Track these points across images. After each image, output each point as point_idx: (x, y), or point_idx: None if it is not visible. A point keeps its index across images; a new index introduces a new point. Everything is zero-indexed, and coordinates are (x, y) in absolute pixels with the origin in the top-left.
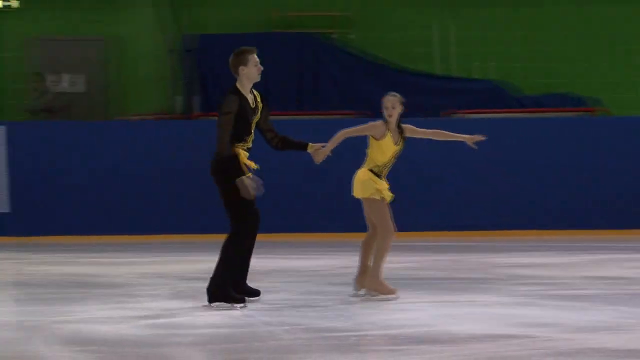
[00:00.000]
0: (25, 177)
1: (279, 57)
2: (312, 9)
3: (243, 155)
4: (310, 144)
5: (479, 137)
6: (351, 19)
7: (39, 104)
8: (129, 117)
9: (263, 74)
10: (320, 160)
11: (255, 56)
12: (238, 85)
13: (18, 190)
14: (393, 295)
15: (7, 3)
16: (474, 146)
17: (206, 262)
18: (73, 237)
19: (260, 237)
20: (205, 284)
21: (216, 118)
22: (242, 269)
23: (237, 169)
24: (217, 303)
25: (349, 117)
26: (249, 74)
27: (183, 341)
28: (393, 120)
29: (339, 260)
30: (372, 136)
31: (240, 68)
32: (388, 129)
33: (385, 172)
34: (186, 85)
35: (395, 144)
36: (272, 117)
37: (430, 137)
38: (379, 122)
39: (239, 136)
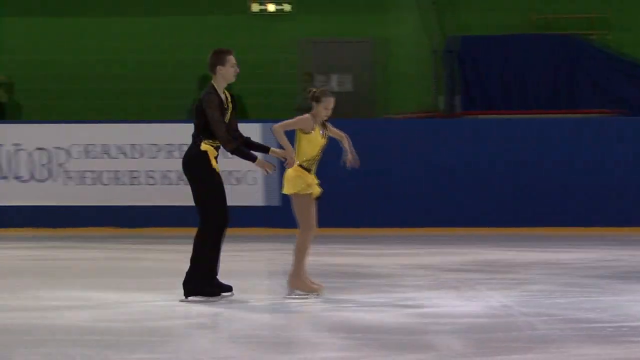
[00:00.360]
0: None
1: (537, 57)
2: (570, 11)
3: (211, 153)
4: (271, 148)
5: (351, 159)
6: (608, 20)
7: (307, 103)
8: (394, 115)
9: (521, 74)
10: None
11: (233, 57)
12: (214, 83)
13: None
14: (316, 294)
15: (280, 7)
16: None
17: (470, 254)
18: (338, 230)
19: (514, 230)
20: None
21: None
22: (214, 264)
23: (208, 166)
24: (193, 297)
25: (605, 115)
26: (226, 73)
27: (443, 329)
28: (318, 115)
29: (596, 254)
30: (301, 130)
31: (218, 67)
32: (316, 123)
33: (314, 167)
34: (448, 84)
35: (322, 137)
36: (530, 116)
37: (337, 138)
38: (308, 116)
39: (211, 133)
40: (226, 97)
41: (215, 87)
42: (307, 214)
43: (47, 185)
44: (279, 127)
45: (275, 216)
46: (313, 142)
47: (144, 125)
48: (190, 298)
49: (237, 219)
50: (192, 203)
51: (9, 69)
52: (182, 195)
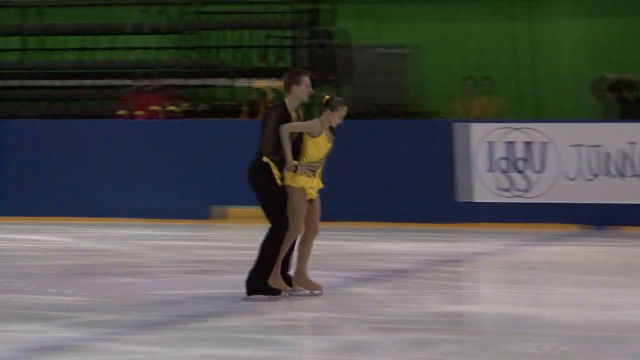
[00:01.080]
0: None
1: None
2: None
3: (273, 164)
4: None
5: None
6: None
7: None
8: None
9: None
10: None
11: (308, 78)
12: (286, 100)
13: None
14: (286, 293)
15: None
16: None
17: None
18: None
19: None
20: None
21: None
22: (285, 261)
23: (269, 176)
24: (255, 296)
25: None
26: (300, 93)
27: None
28: (328, 122)
29: None
30: (308, 133)
31: (293, 87)
32: (324, 128)
33: (318, 170)
34: None
35: (329, 141)
36: None
37: None
38: (317, 121)
39: (274, 145)
40: (297, 116)
41: (286, 103)
42: (298, 212)
43: None
44: (286, 129)
45: None
46: (319, 146)
47: None
48: (253, 297)
49: None
50: None
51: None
52: None
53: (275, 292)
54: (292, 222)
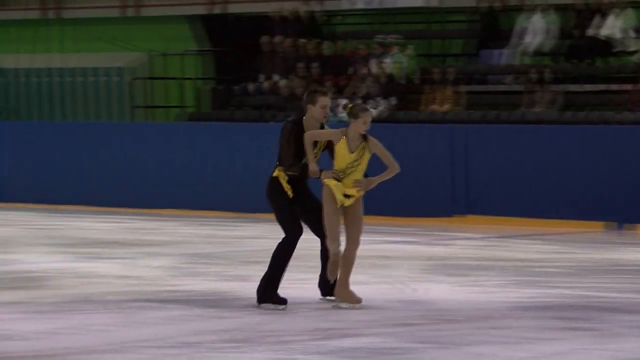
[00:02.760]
0: None
1: None
2: None
3: (282, 178)
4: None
5: (361, 184)
6: None
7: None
8: None
9: None
10: (320, 174)
11: (325, 98)
12: (304, 118)
13: None
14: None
15: None
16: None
17: None
18: None
19: None
20: None
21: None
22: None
23: (279, 190)
24: (264, 304)
25: None
26: (315, 113)
27: None
28: (355, 131)
29: None
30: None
31: (309, 106)
32: (345, 136)
33: (346, 180)
34: None
35: (350, 152)
36: None
37: (384, 161)
38: (339, 130)
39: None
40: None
41: (303, 121)
42: (327, 216)
43: None
44: (309, 135)
45: None
46: (338, 155)
47: None
48: (262, 305)
49: None
50: None
51: None
52: None
53: (281, 302)
54: (325, 228)
